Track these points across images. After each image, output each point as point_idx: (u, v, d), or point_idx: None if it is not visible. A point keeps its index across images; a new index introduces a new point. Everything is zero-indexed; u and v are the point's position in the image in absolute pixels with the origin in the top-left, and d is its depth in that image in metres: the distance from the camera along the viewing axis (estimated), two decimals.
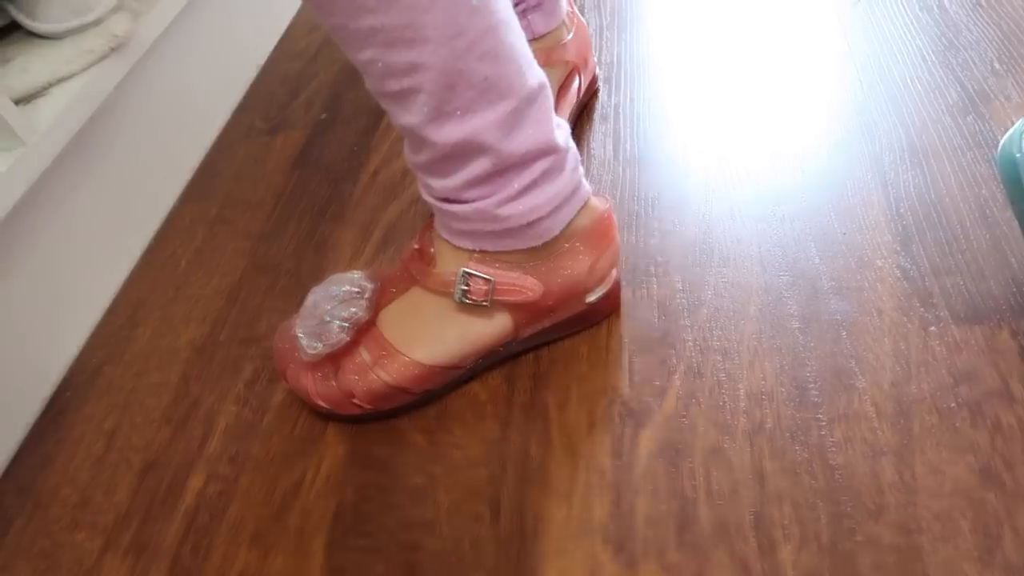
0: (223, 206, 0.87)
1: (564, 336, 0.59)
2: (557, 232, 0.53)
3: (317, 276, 0.73)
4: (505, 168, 0.49)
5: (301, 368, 0.58)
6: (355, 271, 0.59)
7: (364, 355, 0.56)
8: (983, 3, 0.77)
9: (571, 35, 0.76)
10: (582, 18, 0.83)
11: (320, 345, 0.55)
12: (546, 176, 0.50)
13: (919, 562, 0.42)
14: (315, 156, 0.90)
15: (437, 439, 0.56)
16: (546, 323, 0.57)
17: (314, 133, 0.93)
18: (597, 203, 0.55)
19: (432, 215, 0.55)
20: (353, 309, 0.56)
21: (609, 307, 0.59)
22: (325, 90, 1.00)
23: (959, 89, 0.68)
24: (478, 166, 0.48)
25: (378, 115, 0.92)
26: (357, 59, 0.45)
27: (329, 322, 0.56)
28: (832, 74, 0.75)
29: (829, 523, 0.44)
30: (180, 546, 0.54)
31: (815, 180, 0.65)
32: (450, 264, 0.54)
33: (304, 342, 0.56)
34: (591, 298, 0.57)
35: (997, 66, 0.69)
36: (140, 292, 0.80)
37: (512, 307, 0.54)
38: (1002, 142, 0.50)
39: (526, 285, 0.53)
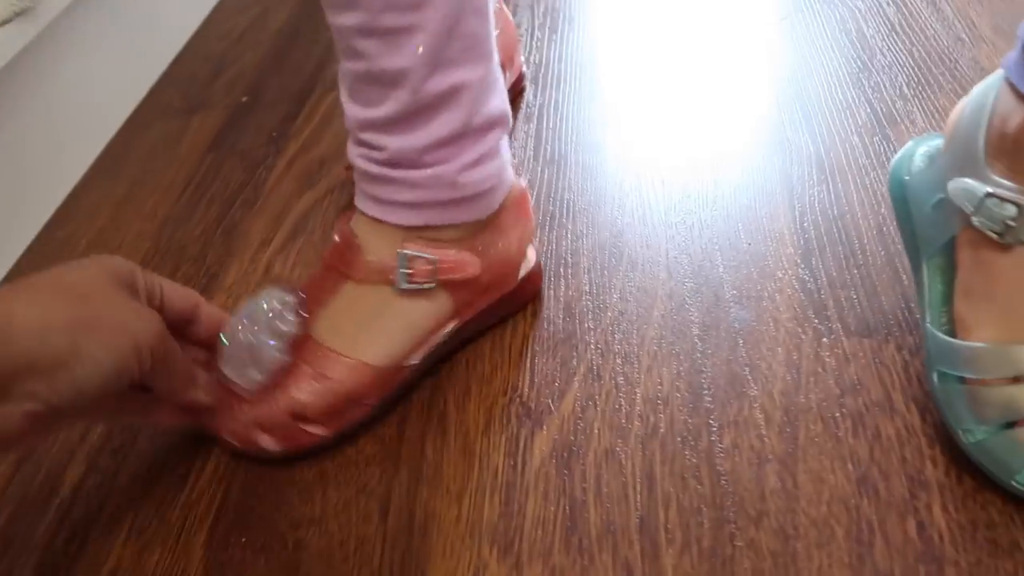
0: (132, 185, 0.84)
1: (492, 326, 0.58)
2: (497, 204, 0.52)
3: (223, 262, 0.71)
4: (471, 132, 0.48)
5: (243, 418, 0.51)
6: (270, 288, 0.54)
7: (307, 370, 0.51)
8: (898, 29, 0.79)
9: (497, 32, 0.75)
10: (511, 17, 0.83)
11: (257, 373, 0.51)
12: (498, 146, 0.51)
13: (794, 567, 0.42)
14: (232, 140, 0.87)
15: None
16: (483, 304, 0.55)
17: (233, 116, 0.91)
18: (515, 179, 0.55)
19: (347, 208, 0.53)
20: (283, 327, 0.51)
21: (534, 288, 0.59)
22: (249, 73, 0.98)
23: (869, 110, 0.70)
24: (449, 123, 0.47)
25: (300, 101, 0.90)
26: None
27: (258, 346, 0.51)
28: (752, 88, 0.76)
29: (711, 528, 0.45)
30: (51, 540, 0.52)
31: (726, 190, 0.66)
32: (382, 250, 0.50)
33: (236, 377, 0.51)
34: (520, 274, 0.56)
35: (906, 90, 0.72)
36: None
37: (453, 287, 0.52)
38: (892, 163, 0.51)
39: (466, 261, 0.52)
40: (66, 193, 0.84)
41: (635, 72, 0.82)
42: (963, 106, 0.46)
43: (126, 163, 0.87)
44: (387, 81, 0.46)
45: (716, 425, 0.50)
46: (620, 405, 0.52)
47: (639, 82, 0.80)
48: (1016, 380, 0.41)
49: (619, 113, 0.77)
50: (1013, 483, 0.42)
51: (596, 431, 0.51)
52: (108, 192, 0.83)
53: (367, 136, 0.49)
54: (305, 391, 0.50)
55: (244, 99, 0.93)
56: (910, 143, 0.51)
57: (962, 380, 0.43)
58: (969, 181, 0.43)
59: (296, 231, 0.72)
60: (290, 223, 0.74)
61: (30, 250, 0.78)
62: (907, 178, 0.50)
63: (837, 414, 0.49)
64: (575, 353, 0.56)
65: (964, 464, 0.44)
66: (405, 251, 0.50)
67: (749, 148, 0.69)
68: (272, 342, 0.51)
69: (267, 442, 0.51)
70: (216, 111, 0.92)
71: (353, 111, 0.49)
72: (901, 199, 0.50)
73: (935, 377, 0.46)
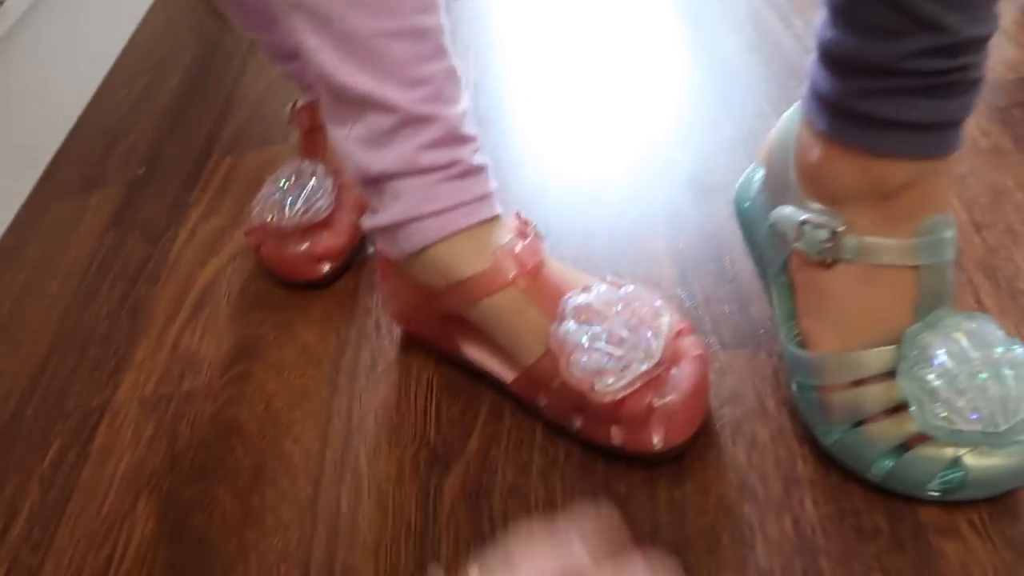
0: (33, 271, 0.84)
1: (397, 375, 0.60)
2: None
3: (131, 341, 0.72)
4: None
5: None
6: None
7: None
8: (755, 46, 0.84)
9: None
10: None
11: None
12: None
13: None
14: (131, 214, 0.87)
15: (250, 504, 0.56)
16: None
17: (131, 189, 0.91)
18: None
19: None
20: None
21: None
22: (143, 143, 0.98)
23: (732, 128, 0.75)
24: None
25: (198, 168, 0.91)
26: None
27: None
28: (625, 112, 0.81)
29: None
30: None
31: (610, 211, 0.70)
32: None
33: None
34: None
35: (765, 106, 0.77)
36: None
37: None
38: (735, 189, 0.55)
39: None
40: None
41: (529, 91, 0.85)
42: (773, 136, 0.50)
43: (25, 249, 0.87)
44: None
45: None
46: (521, 441, 0.55)
47: (532, 100, 0.84)
48: (857, 383, 0.46)
49: (513, 129, 0.80)
50: (869, 474, 0.46)
51: (501, 469, 0.54)
52: (8, 281, 0.83)
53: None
54: None
55: (141, 171, 0.94)
56: (748, 168, 0.55)
57: (814, 387, 0.48)
58: (788, 209, 0.48)
59: (202, 302, 0.74)
60: (195, 295, 0.75)
61: None
62: (748, 204, 0.54)
63: (718, 425, 0.53)
64: (476, 394, 0.59)
65: (829, 460, 0.49)
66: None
67: (627, 172, 0.74)
68: None
69: None
70: (113, 186, 0.92)
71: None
72: (745, 223, 0.54)
73: (794, 386, 0.50)
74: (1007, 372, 0.43)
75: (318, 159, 0.73)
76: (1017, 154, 0.65)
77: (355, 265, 0.72)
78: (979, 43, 0.40)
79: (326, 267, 0.70)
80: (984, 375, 0.42)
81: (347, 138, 0.51)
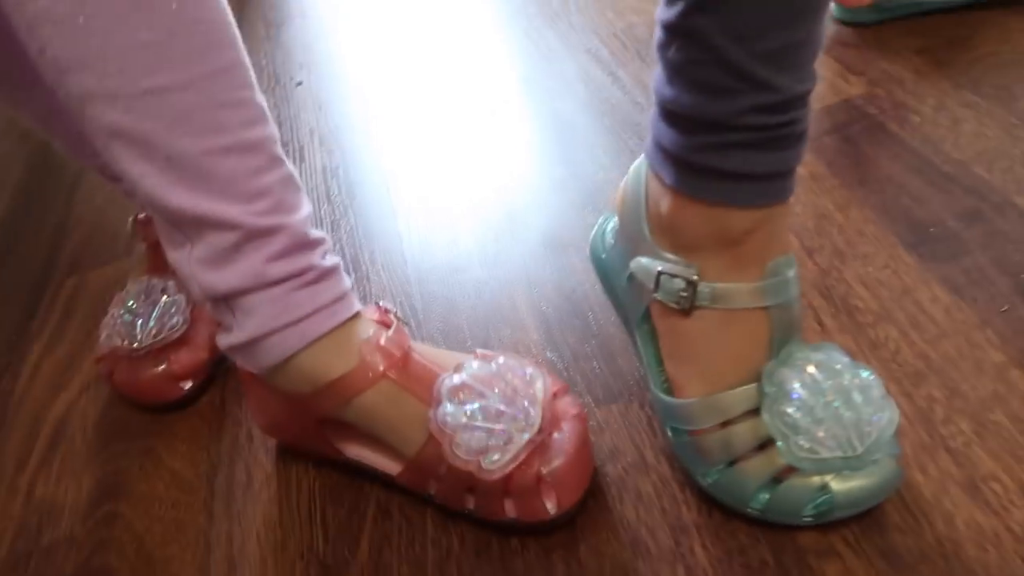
0: None
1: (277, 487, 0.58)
2: None
3: None
4: None
5: None
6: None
7: None
8: (588, 103, 0.88)
9: None
10: None
11: None
12: None
13: None
14: None
15: None
16: None
17: None
18: None
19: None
20: None
21: None
22: None
23: (577, 185, 0.78)
24: None
25: (36, 294, 0.85)
26: None
27: None
28: (475, 180, 0.82)
29: None
30: None
31: (470, 281, 0.70)
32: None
33: None
34: None
35: (604, 159, 0.80)
36: None
37: None
38: (590, 241, 0.57)
39: None
40: None
41: (364, 187, 0.85)
42: (624, 187, 0.52)
43: None
44: None
45: (502, 527, 0.52)
46: (413, 536, 0.54)
47: (367, 197, 0.84)
48: (725, 424, 0.48)
49: (354, 227, 0.80)
50: (749, 509, 0.48)
51: (395, 570, 0.52)
52: None
53: None
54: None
55: None
56: (600, 219, 0.57)
57: (687, 431, 0.49)
58: (644, 260, 0.50)
59: (55, 441, 0.68)
60: (47, 434, 0.69)
61: None
62: (603, 256, 0.56)
63: (603, 484, 0.53)
64: (361, 493, 0.57)
65: (711, 500, 0.50)
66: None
67: (482, 241, 0.75)
68: None
69: None
70: None
71: None
72: (603, 274, 0.56)
73: (669, 432, 0.51)
74: (856, 397, 0.45)
75: (167, 274, 0.70)
76: (832, 179, 0.70)
77: (218, 377, 0.69)
78: (805, 98, 0.43)
79: (187, 385, 0.67)
80: (836, 403, 0.45)
81: (188, 260, 0.49)
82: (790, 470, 0.46)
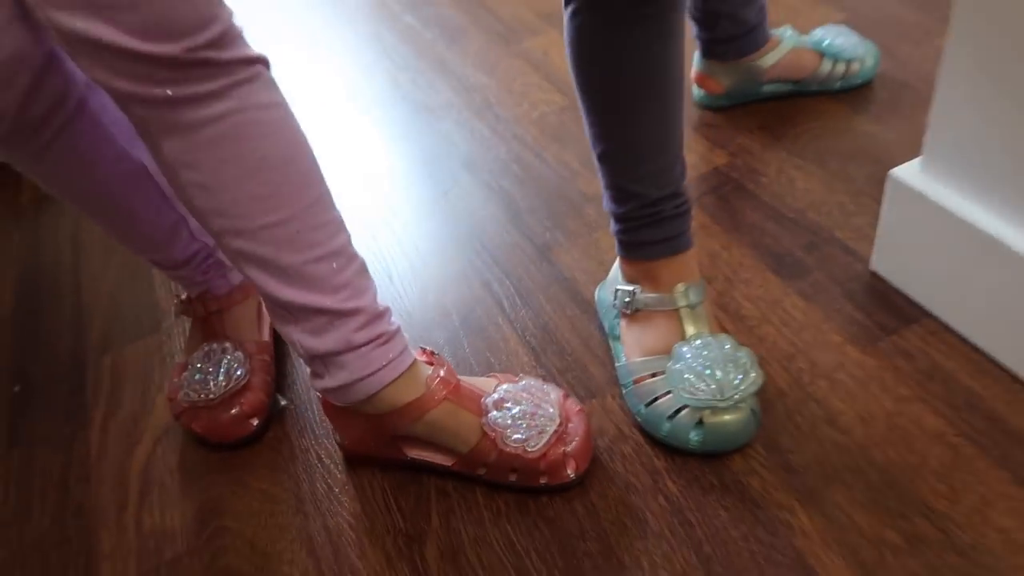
0: None
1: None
2: None
3: (91, 537, 0.80)
4: None
5: None
6: None
7: None
8: (524, 179, 1.13)
9: None
10: None
11: None
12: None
13: None
14: (28, 431, 0.94)
15: None
16: None
17: (15, 409, 0.97)
18: None
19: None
20: None
21: None
22: (5, 366, 1.03)
23: (531, 245, 1.02)
24: None
25: (79, 371, 0.99)
26: None
27: None
28: (447, 251, 1.05)
29: None
30: None
31: (467, 328, 0.93)
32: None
33: None
34: None
35: (547, 222, 1.05)
36: None
37: None
38: (596, 293, 0.84)
39: None
40: None
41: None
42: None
43: None
44: None
45: (535, 491, 0.75)
46: (470, 506, 0.75)
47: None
48: (652, 376, 0.75)
49: None
50: (661, 435, 0.74)
51: (463, 530, 0.73)
52: None
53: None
54: None
55: (17, 389, 0.99)
56: (605, 282, 0.85)
57: (633, 382, 0.76)
58: (616, 287, 0.76)
59: (146, 485, 0.84)
60: (136, 481, 0.85)
61: None
62: (600, 295, 0.82)
63: (597, 453, 0.77)
64: (421, 484, 0.77)
65: (672, 449, 0.75)
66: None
67: (467, 299, 0.97)
68: None
69: None
70: None
71: None
72: (602, 309, 0.82)
73: (623, 391, 0.77)
74: (728, 365, 0.72)
75: (220, 338, 0.88)
76: (715, 227, 0.98)
77: (273, 418, 0.88)
78: (676, 195, 0.74)
79: (255, 422, 0.85)
80: (712, 367, 0.72)
81: (293, 331, 0.69)
82: (682, 408, 0.73)
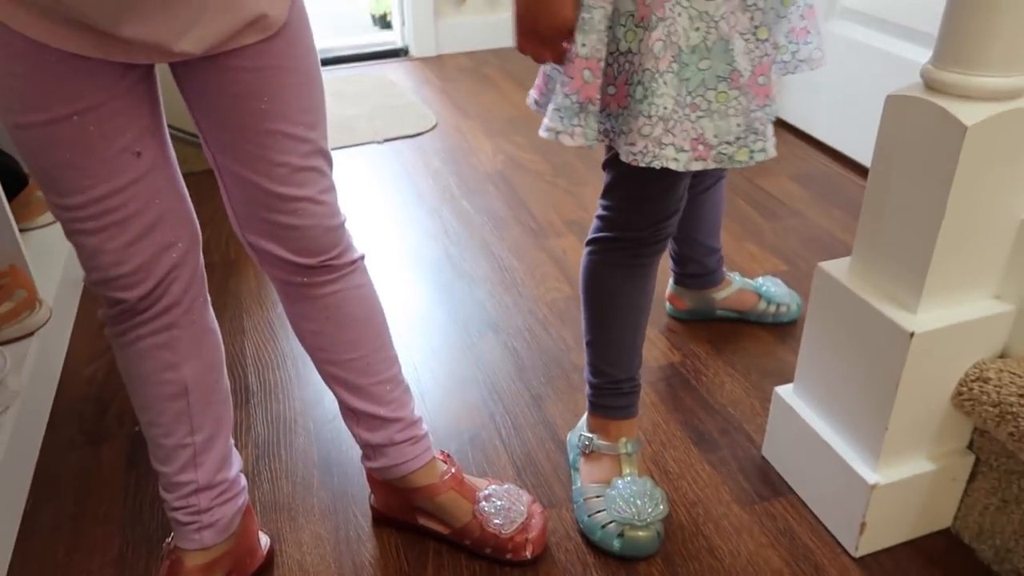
0: (76, 505, 1.20)
1: None
2: None
3: None
4: None
5: None
6: None
7: None
8: (530, 347, 1.53)
9: None
10: None
11: None
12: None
13: None
14: (143, 458, 1.28)
15: None
16: None
17: (136, 442, 1.32)
18: None
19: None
20: None
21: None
22: (130, 406, 1.39)
23: (528, 394, 1.40)
24: None
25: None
26: None
27: None
28: (477, 387, 1.42)
29: None
30: None
31: (470, 444, 1.29)
32: None
33: None
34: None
35: (543, 380, 1.43)
36: None
37: None
38: (568, 438, 1.20)
39: None
40: (18, 519, 1.18)
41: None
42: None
43: (60, 487, 1.23)
44: None
45: (502, 563, 1.08)
46: (457, 564, 1.08)
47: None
48: (597, 497, 1.10)
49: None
50: (594, 539, 1.09)
51: None
52: (58, 511, 1.19)
53: None
54: None
55: (137, 428, 1.35)
56: (575, 429, 1.21)
57: (584, 500, 1.11)
58: (579, 433, 1.13)
59: None
60: None
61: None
62: (570, 437, 1.19)
63: (549, 544, 1.11)
64: (425, 545, 1.11)
65: (599, 551, 1.09)
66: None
67: (470, 426, 1.34)
68: None
69: None
70: (117, 439, 1.32)
71: None
72: (570, 448, 1.19)
73: (574, 505, 1.12)
74: (647, 498, 1.08)
75: None
76: (661, 404, 1.36)
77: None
78: (633, 378, 1.11)
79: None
80: (633, 498, 1.08)
81: (355, 427, 1.05)
82: (611, 522, 1.07)
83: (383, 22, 3.49)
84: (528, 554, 1.07)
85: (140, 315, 0.88)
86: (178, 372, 0.92)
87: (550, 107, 0.93)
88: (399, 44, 3.27)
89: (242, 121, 0.82)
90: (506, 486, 1.11)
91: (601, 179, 1.06)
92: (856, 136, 2.13)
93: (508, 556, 1.07)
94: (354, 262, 0.96)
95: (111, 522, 1.17)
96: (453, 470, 1.09)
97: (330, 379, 1.02)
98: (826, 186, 2.07)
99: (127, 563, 1.10)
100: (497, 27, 3.26)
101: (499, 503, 1.08)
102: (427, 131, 2.49)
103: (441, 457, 1.11)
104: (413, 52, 3.22)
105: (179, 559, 0.97)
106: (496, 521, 1.06)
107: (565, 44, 0.88)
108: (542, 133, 0.93)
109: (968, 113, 0.86)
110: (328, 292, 0.95)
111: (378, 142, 2.42)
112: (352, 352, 1.00)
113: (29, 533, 1.16)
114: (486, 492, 1.09)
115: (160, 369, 0.91)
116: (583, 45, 0.87)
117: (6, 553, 1.11)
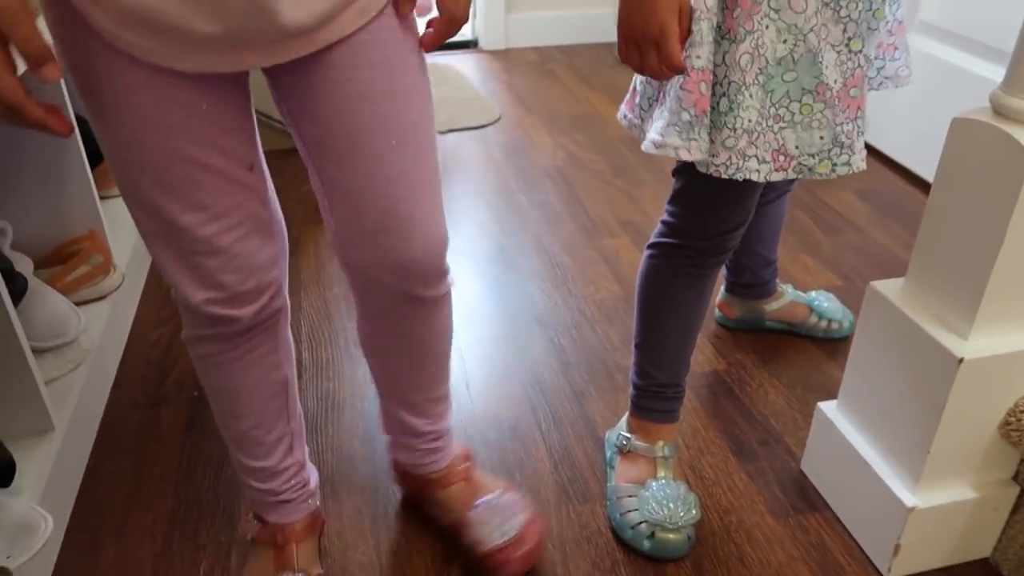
0: (135, 462, 1.27)
1: None
2: None
3: (238, 499, 1.19)
4: None
5: None
6: None
7: None
8: (576, 345, 1.55)
9: None
10: None
11: None
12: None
13: None
14: (199, 424, 1.35)
15: None
16: None
17: (193, 408, 1.38)
18: None
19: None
20: None
21: None
22: (191, 373, 1.46)
23: (571, 390, 1.42)
24: None
25: None
26: None
27: None
28: (521, 378, 1.45)
29: None
30: None
31: (512, 443, 1.31)
32: None
33: None
34: None
35: (586, 377, 1.45)
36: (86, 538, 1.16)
37: None
38: (607, 436, 1.22)
39: None
40: (81, 474, 1.25)
41: None
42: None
43: (121, 444, 1.30)
44: None
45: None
46: (449, 554, 1.11)
47: None
48: (630, 496, 1.12)
49: None
50: (625, 537, 1.11)
51: (448, 572, 1.09)
52: (118, 467, 1.26)
53: None
54: None
55: (196, 393, 1.41)
56: (614, 428, 1.23)
57: (616, 498, 1.12)
58: (617, 432, 1.15)
59: None
60: None
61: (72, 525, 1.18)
62: (608, 436, 1.21)
63: (581, 540, 1.13)
64: (426, 541, 1.15)
65: (628, 549, 1.11)
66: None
67: (513, 414, 1.36)
68: None
69: None
70: (175, 404, 1.39)
71: None
72: (607, 446, 1.21)
73: (607, 502, 1.14)
74: (680, 502, 1.09)
75: (293, 570, 1.02)
76: (703, 410, 1.37)
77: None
78: (679, 383, 1.12)
79: None
80: (667, 500, 1.09)
81: (387, 420, 1.10)
82: (642, 522, 1.09)
83: None
84: (504, 573, 1.03)
85: (252, 329, 0.86)
86: (281, 371, 0.93)
87: (658, 122, 0.91)
88: (469, 36, 3.31)
89: (355, 127, 0.77)
90: (508, 496, 1.10)
91: (661, 182, 1.07)
92: (925, 154, 2.08)
93: (487, 567, 1.05)
94: (447, 292, 0.93)
95: (166, 481, 1.23)
96: (465, 466, 1.11)
97: (382, 385, 1.06)
98: (890, 202, 2.03)
99: (179, 521, 1.17)
100: (566, 23, 3.28)
101: (490, 515, 1.06)
102: (491, 124, 2.52)
103: (461, 451, 1.13)
104: (482, 44, 3.26)
105: (285, 528, 1.01)
106: (482, 528, 1.05)
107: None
108: (649, 149, 0.91)
109: None
110: (417, 317, 0.93)
111: (441, 132, 2.46)
112: (414, 375, 1.02)
113: (91, 485, 1.23)
114: (485, 499, 1.09)
115: (268, 373, 0.91)
116: (698, 57, 0.85)
117: (68, 502, 1.18)
